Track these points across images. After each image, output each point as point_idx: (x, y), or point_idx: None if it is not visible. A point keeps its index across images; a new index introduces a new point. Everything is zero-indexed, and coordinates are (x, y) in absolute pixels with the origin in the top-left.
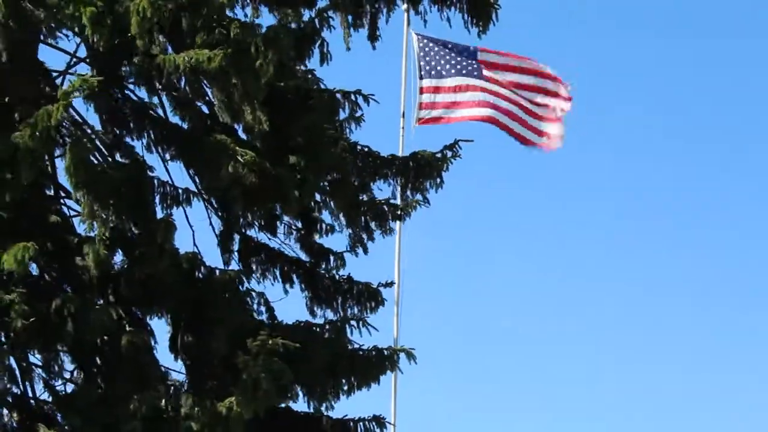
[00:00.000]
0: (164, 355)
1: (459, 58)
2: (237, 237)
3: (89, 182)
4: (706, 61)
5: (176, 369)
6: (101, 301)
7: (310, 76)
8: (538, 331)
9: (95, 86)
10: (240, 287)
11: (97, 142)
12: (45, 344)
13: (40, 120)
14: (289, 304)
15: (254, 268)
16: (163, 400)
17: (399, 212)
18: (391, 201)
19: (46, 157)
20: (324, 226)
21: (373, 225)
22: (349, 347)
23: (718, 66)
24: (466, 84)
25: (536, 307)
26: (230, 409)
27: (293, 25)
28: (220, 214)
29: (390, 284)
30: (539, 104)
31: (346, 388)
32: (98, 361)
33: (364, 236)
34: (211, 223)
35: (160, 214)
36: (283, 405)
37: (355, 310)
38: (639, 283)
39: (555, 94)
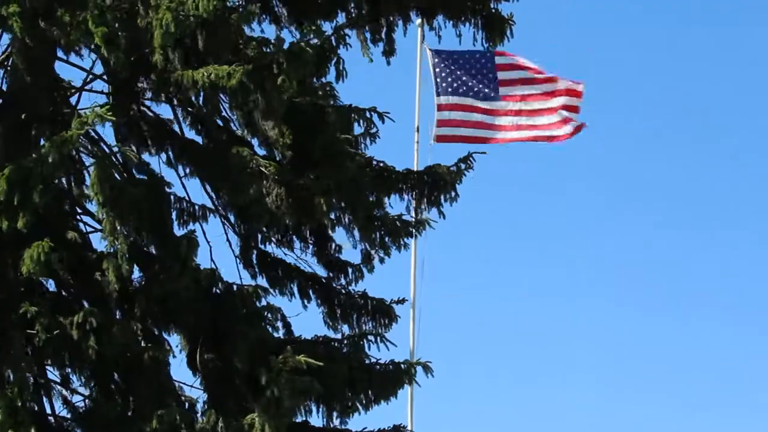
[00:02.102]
0: (175, 371)
1: (476, 78)
2: (255, 252)
3: (113, 199)
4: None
5: (188, 384)
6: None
7: (323, 90)
8: (556, 344)
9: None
10: (258, 302)
11: (114, 159)
12: (69, 359)
13: (54, 145)
14: (305, 320)
15: (272, 283)
16: (178, 416)
17: (412, 228)
18: (404, 217)
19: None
20: (334, 245)
21: (387, 240)
22: (367, 361)
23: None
24: (485, 107)
25: (555, 319)
26: (252, 426)
27: (312, 42)
28: (237, 229)
29: (402, 301)
30: (550, 109)
31: (364, 402)
32: (116, 377)
33: (381, 252)
34: (227, 239)
35: (176, 230)
36: (300, 419)
37: (370, 325)
38: (661, 288)
39: (564, 92)
